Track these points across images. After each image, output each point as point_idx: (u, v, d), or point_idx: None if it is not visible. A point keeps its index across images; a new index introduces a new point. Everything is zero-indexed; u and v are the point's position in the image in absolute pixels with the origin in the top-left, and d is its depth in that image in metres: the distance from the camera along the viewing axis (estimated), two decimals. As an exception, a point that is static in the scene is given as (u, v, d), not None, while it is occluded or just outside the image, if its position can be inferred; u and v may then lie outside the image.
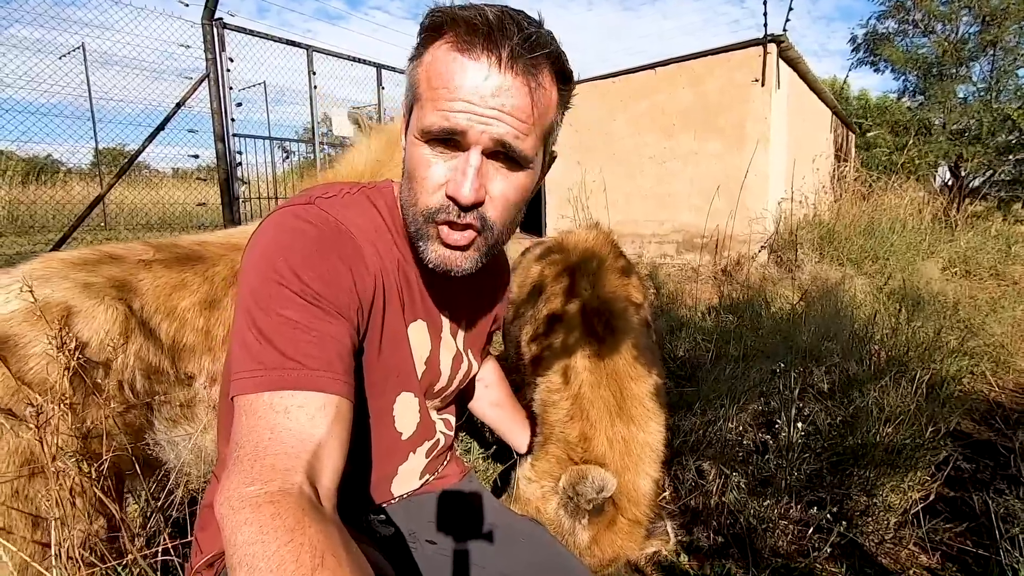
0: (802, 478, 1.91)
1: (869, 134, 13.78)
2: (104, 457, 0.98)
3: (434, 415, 1.06)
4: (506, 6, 0.74)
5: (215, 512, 0.57)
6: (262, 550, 0.51)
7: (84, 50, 7.60)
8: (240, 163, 5.81)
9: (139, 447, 1.13)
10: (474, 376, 1.17)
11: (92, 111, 7.90)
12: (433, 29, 0.74)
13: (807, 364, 2.69)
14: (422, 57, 0.75)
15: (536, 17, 0.76)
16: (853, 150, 13.43)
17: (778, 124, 7.30)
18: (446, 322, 1.00)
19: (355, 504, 0.97)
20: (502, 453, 1.97)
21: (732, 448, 2.06)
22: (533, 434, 1.40)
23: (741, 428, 2.18)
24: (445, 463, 1.13)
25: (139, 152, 5.49)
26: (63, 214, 5.95)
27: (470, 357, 1.08)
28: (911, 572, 1.65)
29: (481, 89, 0.70)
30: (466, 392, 1.30)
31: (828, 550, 1.61)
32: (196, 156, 6.09)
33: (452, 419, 1.14)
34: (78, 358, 0.98)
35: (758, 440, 2.16)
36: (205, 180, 6.74)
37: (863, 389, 2.33)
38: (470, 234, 0.78)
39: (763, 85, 6.96)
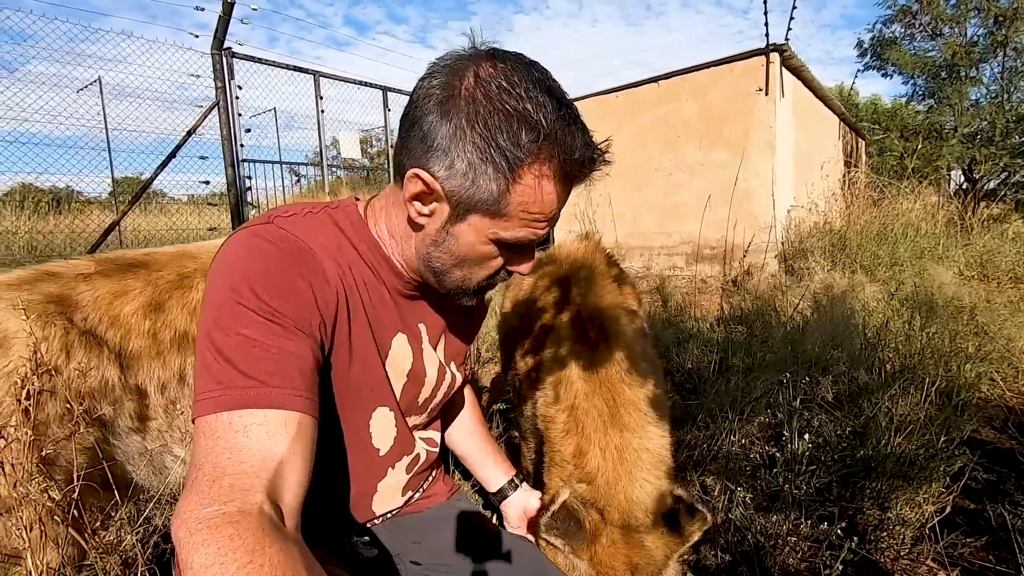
0: (811, 492, 1.85)
1: (878, 136, 13.64)
2: (47, 484, 0.96)
3: (416, 432, 1.05)
4: (584, 124, 0.77)
5: (172, 535, 0.56)
6: (220, 572, 0.50)
7: (100, 83, 7.83)
8: (250, 188, 5.91)
9: (96, 465, 1.10)
10: (459, 388, 1.16)
11: (108, 141, 8.10)
12: (540, 140, 0.71)
13: (814, 374, 2.62)
14: (521, 176, 0.72)
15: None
16: (864, 156, 13.30)
17: (784, 132, 7.26)
18: (425, 334, 1.00)
19: (336, 524, 0.96)
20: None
21: (738, 462, 2.01)
22: (539, 465, 1.31)
23: (747, 441, 2.13)
24: (430, 480, 1.11)
25: (151, 180, 5.62)
26: (79, 242, 6.08)
27: (452, 369, 1.08)
28: (929, 589, 1.59)
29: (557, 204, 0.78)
30: (449, 409, 1.28)
31: (840, 567, 1.55)
32: (207, 182, 6.19)
33: (436, 436, 1.12)
34: (22, 378, 0.96)
35: (765, 453, 2.10)
36: (217, 206, 6.85)
37: (872, 398, 2.27)
38: None
39: (767, 94, 6.95)
